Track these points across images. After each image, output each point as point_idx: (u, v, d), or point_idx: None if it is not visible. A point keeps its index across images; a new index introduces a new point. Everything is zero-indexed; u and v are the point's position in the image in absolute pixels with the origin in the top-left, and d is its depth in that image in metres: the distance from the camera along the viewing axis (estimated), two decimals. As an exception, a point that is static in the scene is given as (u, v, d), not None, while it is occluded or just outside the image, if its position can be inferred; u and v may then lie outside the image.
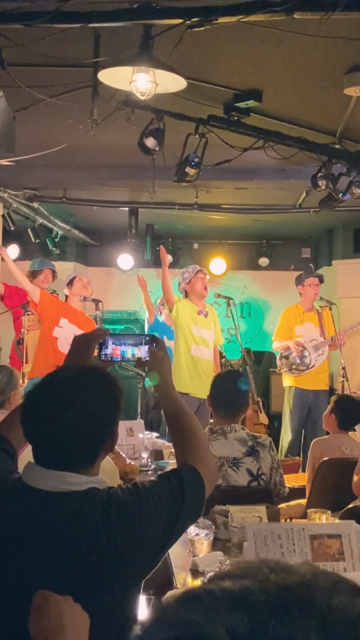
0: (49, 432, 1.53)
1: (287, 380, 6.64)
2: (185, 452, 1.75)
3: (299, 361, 6.41)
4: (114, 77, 3.37)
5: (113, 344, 1.91)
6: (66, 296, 5.96)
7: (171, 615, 0.51)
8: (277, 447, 4.55)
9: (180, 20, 2.96)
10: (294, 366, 6.45)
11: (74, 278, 5.93)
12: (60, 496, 1.51)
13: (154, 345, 1.87)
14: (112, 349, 1.90)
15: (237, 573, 0.53)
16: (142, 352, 1.88)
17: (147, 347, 1.88)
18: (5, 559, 1.49)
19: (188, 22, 2.95)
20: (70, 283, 5.89)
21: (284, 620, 0.48)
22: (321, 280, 6.56)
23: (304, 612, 0.49)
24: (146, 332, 7.72)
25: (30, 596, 1.28)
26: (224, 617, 0.49)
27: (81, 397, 1.56)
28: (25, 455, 2.92)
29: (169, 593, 2.26)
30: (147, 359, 1.87)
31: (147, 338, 1.89)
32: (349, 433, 4.15)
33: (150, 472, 4.10)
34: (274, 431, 7.25)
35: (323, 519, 2.70)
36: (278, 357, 6.65)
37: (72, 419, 1.52)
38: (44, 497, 1.51)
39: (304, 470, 5.54)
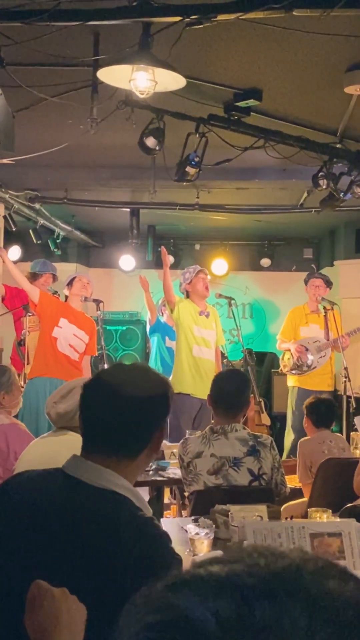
0: (105, 408, 1.60)
1: (291, 380, 6.64)
2: None
3: (300, 362, 6.41)
4: (113, 75, 3.36)
5: None
6: (66, 297, 5.96)
7: (157, 599, 0.50)
8: (280, 448, 4.55)
9: (179, 18, 2.95)
10: (295, 366, 6.44)
11: (73, 278, 5.92)
12: (96, 490, 1.53)
13: None
14: None
15: (226, 558, 0.52)
16: None
17: None
18: (29, 540, 1.51)
19: (187, 19, 2.94)
20: (70, 283, 5.88)
21: (272, 605, 0.47)
22: (327, 282, 6.54)
23: (292, 596, 0.48)
24: (148, 333, 7.72)
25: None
26: (211, 601, 0.48)
27: (142, 379, 1.66)
28: (25, 455, 2.90)
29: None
30: None
31: None
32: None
33: (151, 472, 4.09)
34: (276, 432, 7.23)
35: (324, 518, 2.68)
36: (281, 357, 6.65)
37: (130, 399, 1.60)
38: (80, 487, 1.54)
39: (306, 471, 5.54)
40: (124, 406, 1.60)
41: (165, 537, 1.54)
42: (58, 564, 1.44)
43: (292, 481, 4.26)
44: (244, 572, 0.49)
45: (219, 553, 2.49)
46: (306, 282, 6.60)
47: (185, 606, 0.48)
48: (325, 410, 4.30)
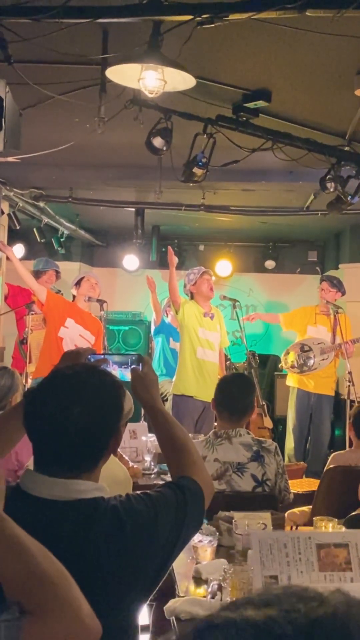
0: (55, 429, 1.49)
1: (291, 380, 6.61)
2: (180, 464, 1.73)
3: (302, 363, 6.36)
4: (122, 74, 3.31)
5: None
6: (73, 296, 5.92)
7: None
8: (282, 451, 4.49)
9: (190, 17, 2.90)
10: (296, 364, 6.39)
11: (82, 278, 5.89)
12: (67, 505, 1.46)
13: (139, 364, 1.88)
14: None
15: (260, 600, 0.47)
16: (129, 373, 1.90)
17: (133, 367, 1.89)
18: None
19: (198, 18, 2.89)
20: (78, 283, 5.85)
21: None
22: (333, 284, 6.48)
23: None
24: (152, 333, 7.70)
25: None
26: None
27: (87, 393, 1.54)
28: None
29: (171, 601, 2.20)
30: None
31: (134, 358, 1.90)
32: None
33: (153, 476, 4.05)
34: (279, 435, 7.19)
35: (329, 527, 2.64)
36: (283, 353, 6.61)
37: (79, 414, 1.50)
38: (50, 507, 1.45)
39: (307, 476, 5.49)
40: (72, 427, 1.49)
41: (140, 501, 1.52)
42: None
43: (294, 487, 4.21)
44: (282, 618, 0.45)
45: (222, 562, 2.45)
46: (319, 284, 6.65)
47: None
48: None
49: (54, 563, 1.15)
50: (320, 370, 6.42)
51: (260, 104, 4.17)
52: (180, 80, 3.32)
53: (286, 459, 6.28)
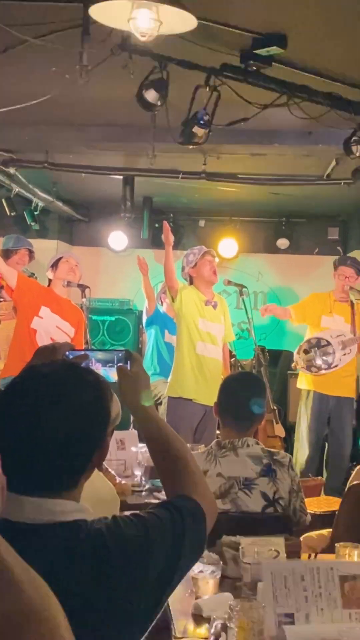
0: (28, 438, 1.48)
1: (305, 382, 6.55)
2: (177, 480, 1.73)
3: (320, 361, 6.31)
4: (108, 13, 3.31)
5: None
6: (49, 280, 5.89)
7: None
8: (295, 464, 4.50)
9: None
10: (313, 363, 6.32)
11: (59, 259, 5.86)
12: (43, 529, 1.45)
13: (127, 363, 1.86)
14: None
15: None
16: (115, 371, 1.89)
17: (120, 365, 1.88)
18: None
19: None
20: (54, 265, 5.82)
21: None
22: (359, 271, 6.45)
23: None
24: (143, 325, 7.70)
25: None
26: None
27: (66, 396, 1.52)
28: None
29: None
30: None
31: (121, 355, 1.90)
32: None
33: (144, 493, 4.04)
34: (292, 445, 7.20)
35: (354, 555, 2.63)
36: (296, 350, 6.56)
37: (57, 421, 1.48)
38: (21, 531, 1.43)
39: (326, 494, 5.51)
40: (48, 436, 1.48)
41: (130, 525, 1.52)
42: None
43: (311, 506, 4.21)
44: None
45: (227, 596, 2.44)
46: (335, 267, 6.52)
47: None
48: None
49: (44, 597, 1.13)
50: (341, 369, 6.39)
51: (274, 50, 4.17)
52: (179, 21, 3.32)
53: (299, 473, 6.27)
